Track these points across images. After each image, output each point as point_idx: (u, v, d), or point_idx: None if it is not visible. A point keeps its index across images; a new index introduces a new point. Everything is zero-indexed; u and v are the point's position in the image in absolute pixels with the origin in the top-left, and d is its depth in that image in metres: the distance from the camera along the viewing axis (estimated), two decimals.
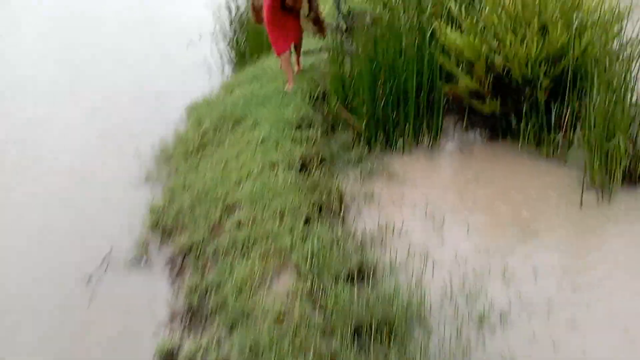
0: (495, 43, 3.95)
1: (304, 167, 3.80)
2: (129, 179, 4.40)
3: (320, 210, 3.30)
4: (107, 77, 7.10)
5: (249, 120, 4.44)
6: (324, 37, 6.05)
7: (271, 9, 5.12)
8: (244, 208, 3.31)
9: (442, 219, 3.28)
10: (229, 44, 6.98)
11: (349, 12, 6.63)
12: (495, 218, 3.37)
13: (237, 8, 7.25)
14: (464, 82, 4.06)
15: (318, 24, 6.09)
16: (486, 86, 4.00)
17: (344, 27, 6.49)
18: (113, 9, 13.11)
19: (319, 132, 4.18)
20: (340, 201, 3.49)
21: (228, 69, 7.04)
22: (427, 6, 5.06)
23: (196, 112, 5.19)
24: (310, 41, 6.25)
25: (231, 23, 7.06)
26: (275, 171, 3.58)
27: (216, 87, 6.32)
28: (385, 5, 5.92)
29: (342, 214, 3.36)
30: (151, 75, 7.05)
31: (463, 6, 4.47)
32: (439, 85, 4.22)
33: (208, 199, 3.56)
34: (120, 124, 5.56)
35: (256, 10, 5.50)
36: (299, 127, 4.19)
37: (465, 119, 4.37)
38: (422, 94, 4.17)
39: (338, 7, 6.60)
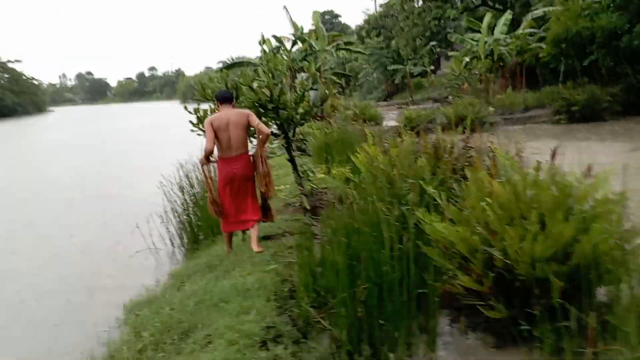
0: (488, 236, 3.43)
1: None
2: None
3: None
4: (32, 271, 6.19)
5: (199, 333, 3.56)
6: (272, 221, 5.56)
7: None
8: None
9: None
10: (180, 227, 6.30)
11: (312, 191, 6.19)
12: None
13: (191, 186, 6.73)
14: (461, 281, 3.43)
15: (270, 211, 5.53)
16: (487, 285, 3.38)
17: (307, 206, 6.00)
18: (57, 185, 12.61)
19: (289, 349, 3.32)
20: None
21: (179, 254, 6.27)
22: (402, 189, 4.67)
23: (136, 316, 4.27)
24: (271, 224, 5.67)
25: (184, 203, 6.46)
26: None
27: (164, 276, 5.50)
28: (356, 186, 5.49)
29: None
30: (89, 266, 6.21)
31: (442, 192, 4.07)
32: (429, 280, 3.56)
33: None
34: (35, 340, 4.58)
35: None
36: (263, 344, 3.34)
37: (462, 317, 3.67)
38: (410, 291, 3.48)
39: (300, 185, 6.17)
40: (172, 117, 35.73)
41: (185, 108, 9.23)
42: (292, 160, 6.06)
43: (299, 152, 6.32)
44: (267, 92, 5.48)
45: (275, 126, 5.98)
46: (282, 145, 5.96)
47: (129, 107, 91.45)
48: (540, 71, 21.10)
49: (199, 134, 9.85)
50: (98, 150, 20.62)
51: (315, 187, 6.25)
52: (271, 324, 3.57)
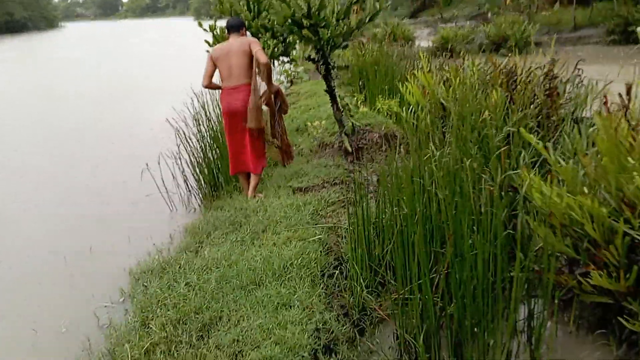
0: (627, 211, 2.40)
1: None
2: None
3: None
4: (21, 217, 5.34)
5: (225, 333, 2.67)
6: (288, 164, 5.00)
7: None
8: None
9: None
10: (196, 167, 5.33)
11: (353, 129, 5.12)
12: None
13: (209, 120, 5.69)
14: (594, 279, 2.43)
15: (285, 152, 4.94)
16: (626, 284, 2.39)
17: (350, 148, 4.95)
18: (63, 113, 11.71)
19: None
20: None
21: (195, 202, 5.35)
22: (486, 135, 3.60)
23: (144, 289, 3.41)
24: (306, 171, 4.68)
25: (200, 140, 5.45)
26: None
27: (179, 230, 4.62)
28: (414, 128, 4.43)
29: None
30: (89, 214, 5.35)
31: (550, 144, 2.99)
32: (526, 267, 2.56)
33: None
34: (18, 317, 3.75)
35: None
36: (313, 354, 2.44)
37: (574, 313, 2.73)
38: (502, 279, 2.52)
39: (340, 122, 5.10)
40: (187, 34, 34.00)
41: (200, 25, 8.02)
42: (331, 91, 4.95)
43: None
44: (304, 5, 4.29)
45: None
46: (320, 72, 4.82)
47: (142, 23, 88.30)
48: None
49: None
50: (110, 72, 19.26)
51: (357, 124, 5.15)
52: (321, 323, 2.66)
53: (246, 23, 8.39)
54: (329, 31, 4.39)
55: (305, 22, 4.42)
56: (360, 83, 7.73)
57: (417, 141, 4.92)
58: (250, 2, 8.41)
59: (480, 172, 3.13)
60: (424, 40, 18.52)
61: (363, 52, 8.70)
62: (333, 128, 5.60)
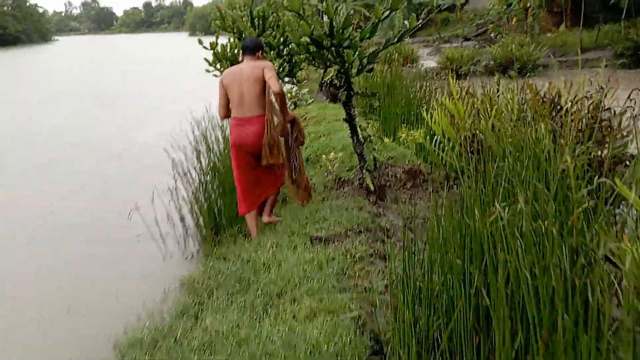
0: None
1: None
2: None
3: None
4: None
5: None
6: (306, 203, 4.37)
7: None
8: None
9: None
10: (195, 206, 4.66)
11: (375, 164, 4.48)
12: None
13: (209, 149, 5.04)
14: None
15: (304, 190, 4.38)
16: None
17: (372, 187, 4.31)
18: (49, 136, 11.03)
19: None
20: None
21: (193, 245, 4.66)
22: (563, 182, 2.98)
23: None
24: (326, 217, 4.02)
25: (200, 173, 4.78)
26: None
27: (174, 283, 3.93)
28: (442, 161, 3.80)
29: None
30: (68, 265, 4.63)
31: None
32: None
33: None
34: None
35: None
36: None
37: None
38: None
39: (361, 156, 4.46)
40: (183, 50, 33.39)
41: (200, 42, 7.42)
42: (351, 120, 4.32)
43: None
44: (326, 22, 3.67)
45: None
46: (340, 99, 4.19)
47: (136, 38, 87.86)
48: (591, 7, 18.61)
49: (215, 75, 8.06)
50: (102, 92, 18.18)
51: (379, 158, 4.51)
52: None
53: None
54: (356, 52, 3.77)
55: (326, 41, 3.80)
56: (372, 108, 7.12)
57: (446, 178, 4.32)
58: (255, 19, 7.83)
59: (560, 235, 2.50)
60: (427, 60, 18.05)
61: (372, 74, 8.12)
62: (350, 161, 4.97)
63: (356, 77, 4.21)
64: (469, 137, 4.60)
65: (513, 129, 4.10)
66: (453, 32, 28.13)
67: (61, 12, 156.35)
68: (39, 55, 44.66)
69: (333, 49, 3.83)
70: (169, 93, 16.18)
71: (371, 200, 4.32)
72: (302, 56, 4.61)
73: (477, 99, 4.94)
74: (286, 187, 4.43)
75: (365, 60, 3.83)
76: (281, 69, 7.58)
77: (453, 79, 10.15)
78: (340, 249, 3.48)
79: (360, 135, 4.37)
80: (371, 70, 3.96)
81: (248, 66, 4.05)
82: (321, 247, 3.54)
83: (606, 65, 15.10)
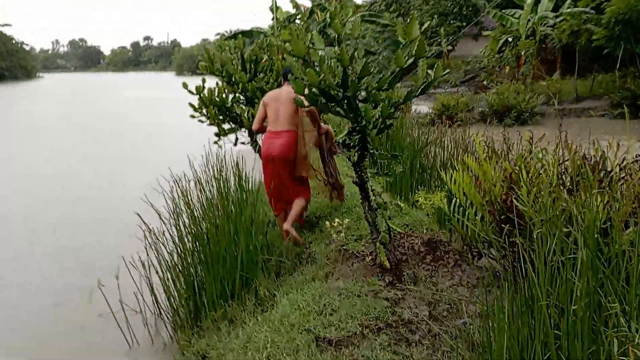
0: None
1: None
2: None
3: None
4: None
5: None
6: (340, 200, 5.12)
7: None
8: None
9: None
10: (170, 282, 3.84)
11: (389, 235, 3.73)
12: None
13: (192, 210, 4.26)
14: None
15: (337, 188, 5.01)
16: None
17: (388, 264, 3.56)
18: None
19: None
20: None
21: (166, 335, 3.80)
22: None
23: None
24: (333, 306, 3.24)
25: (179, 241, 3.99)
26: None
27: None
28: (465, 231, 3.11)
29: None
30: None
31: None
32: None
33: None
34: None
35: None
36: None
37: None
38: None
39: (374, 227, 3.71)
40: (171, 90, 32.70)
41: (185, 87, 6.74)
42: (362, 184, 3.60)
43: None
44: (339, 70, 3.00)
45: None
46: (351, 159, 3.47)
47: (123, 77, 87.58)
48: (585, 57, 18.53)
49: (200, 121, 7.35)
50: (78, 139, 16.06)
51: (394, 227, 3.76)
52: None
53: (240, 85, 7.16)
54: (379, 108, 3.08)
55: (337, 93, 3.12)
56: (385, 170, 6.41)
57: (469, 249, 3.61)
58: (247, 62, 7.21)
59: None
60: (419, 105, 17.65)
61: None
62: (357, 228, 4.23)
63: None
64: (498, 204, 3.91)
65: (552, 197, 3.42)
66: (442, 78, 28.05)
67: (48, 50, 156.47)
68: (17, 92, 43.74)
69: (346, 101, 3.14)
70: (148, 142, 15.08)
71: (386, 281, 3.56)
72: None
73: (504, 159, 4.28)
74: (319, 188, 5.04)
75: (386, 116, 3.13)
76: None
77: (452, 127, 9.47)
78: (351, 355, 2.69)
79: (372, 202, 3.65)
80: (390, 127, 3.27)
81: (286, 90, 4.72)
82: (331, 353, 2.74)
83: (603, 115, 14.71)
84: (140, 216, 3.90)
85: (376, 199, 3.64)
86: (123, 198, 7.82)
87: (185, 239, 3.96)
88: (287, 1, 16.50)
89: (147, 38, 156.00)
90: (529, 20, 17.80)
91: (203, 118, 7.01)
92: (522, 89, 14.81)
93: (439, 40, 31.43)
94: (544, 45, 18.64)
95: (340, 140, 3.28)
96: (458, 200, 4.15)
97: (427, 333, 3.17)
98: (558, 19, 17.15)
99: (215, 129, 7.00)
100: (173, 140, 14.14)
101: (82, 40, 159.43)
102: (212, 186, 4.68)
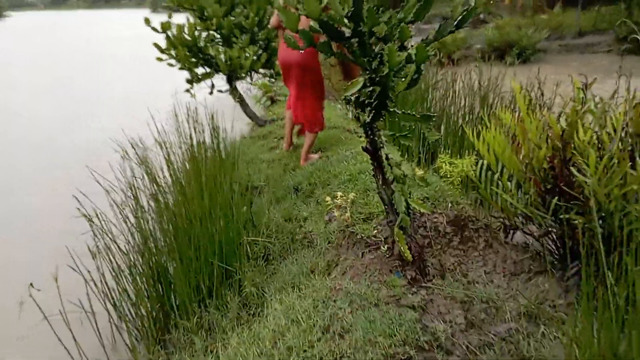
0: None
1: None
2: None
3: None
4: None
5: None
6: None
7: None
8: None
9: None
10: (127, 280, 2.98)
11: (409, 215, 2.86)
12: None
13: (161, 190, 3.36)
14: None
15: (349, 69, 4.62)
16: None
17: (409, 255, 2.74)
18: None
19: None
20: None
21: (125, 350, 2.98)
22: None
23: None
24: (344, 315, 2.43)
25: (142, 225, 3.11)
26: None
27: None
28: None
29: None
30: None
31: None
32: None
33: None
34: None
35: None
36: None
37: None
38: None
39: (390, 207, 2.86)
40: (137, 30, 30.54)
41: (148, 23, 5.65)
42: (374, 152, 2.72)
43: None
44: (348, 5, 2.06)
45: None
46: (360, 120, 2.55)
47: (95, 15, 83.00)
48: None
49: (170, 64, 6.30)
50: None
51: (414, 206, 2.89)
52: None
53: (214, 21, 6.06)
54: (413, 49, 2.15)
55: (346, 28, 2.18)
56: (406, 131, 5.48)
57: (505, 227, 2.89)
58: None
59: None
60: (411, 41, 16.44)
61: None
62: (366, 204, 3.36)
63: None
64: (542, 172, 3.08)
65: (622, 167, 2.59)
66: (433, 12, 26.58)
67: None
68: None
69: (358, 40, 2.20)
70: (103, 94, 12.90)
71: (408, 277, 2.75)
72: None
73: (546, 112, 3.38)
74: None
75: (422, 60, 2.20)
76: (255, 57, 5.87)
77: (453, 67, 8.42)
78: None
79: (388, 174, 2.78)
80: (415, 83, 2.32)
81: None
82: None
83: (608, 51, 13.68)
84: (85, 196, 2.99)
85: (393, 171, 2.76)
86: (67, 165, 6.56)
87: (144, 220, 3.08)
88: None
89: None
90: None
91: (173, 61, 5.96)
92: (523, 23, 13.70)
93: None
94: None
95: (352, 98, 2.36)
96: (487, 164, 3.33)
97: (465, 349, 2.41)
98: None
99: (187, 74, 5.97)
100: (134, 90, 12.58)
101: None
102: (181, 147, 3.76)
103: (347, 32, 2.26)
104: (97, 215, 2.88)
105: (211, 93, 6.08)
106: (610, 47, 13.75)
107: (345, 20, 2.16)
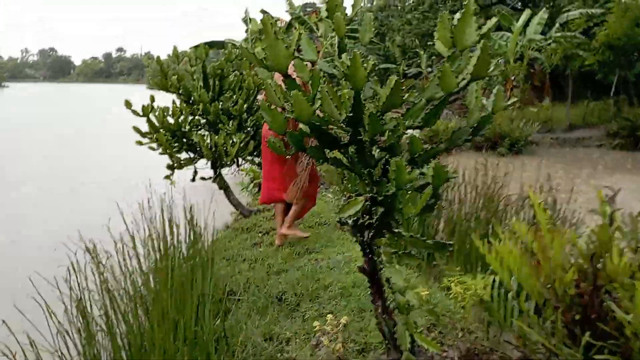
0: None
1: None
2: None
3: None
4: None
5: None
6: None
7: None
8: None
9: None
10: None
11: (412, 351, 2.33)
12: None
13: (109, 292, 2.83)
14: None
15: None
16: None
17: None
18: None
19: None
20: None
21: None
22: None
23: None
24: None
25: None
26: None
27: None
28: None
29: None
30: None
31: None
32: None
33: None
34: None
35: None
36: None
37: None
38: None
39: (391, 340, 2.34)
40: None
41: (128, 105, 5.33)
42: (373, 274, 2.25)
43: None
44: (346, 94, 1.69)
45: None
46: (357, 237, 2.11)
47: (88, 89, 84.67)
48: (575, 83, 17.70)
49: (152, 148, 5.93)
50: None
51: (423, 345, 2.36)
52: None
53: (201, 106, 5.77)
54: (429, 169, 1.76)
55: (343, 135, 1.79)
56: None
57: None
58: (210, 77, 5.83)
59: None
60: None
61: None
62: (361, 331, 2.85)
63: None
64: (568, 298, 2.60)
65: None
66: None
67: (17, 58, 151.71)
68: None
69: (357, 148, 1.81)
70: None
71: None
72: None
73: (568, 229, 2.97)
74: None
75: (441, 182, 1.78)
76: (242, 144, 5.54)
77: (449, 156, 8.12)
78: None
79: (389, 301, 2.30)
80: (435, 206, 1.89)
81: None
82: None
83: (599, 145, 13.63)
84: (22, 314, 2.45)
85: (396, 298, 2.28)
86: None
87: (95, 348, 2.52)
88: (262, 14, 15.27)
89: (119, 49, 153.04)
90: (517, 44, 16.91)
91: (154, 145, 5.59)
92: (513, 115, 13.79)
93: (419, 61, 30.58)
94: (532, 70, 17.81)
95: (349, 222, 1.92)
96: (500, 282, 2.87)
97: None
98: (546, 42, 16.31)
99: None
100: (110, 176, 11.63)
101: (52, 49, 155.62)
102: (149, 252, 3.27)
103: (342, 135, 1.87)
104: (31, 344, 2.32)
105: (193, 180, 5.68)
106: (601, 142, 13.79)
107: (342, 125, 1.77)
